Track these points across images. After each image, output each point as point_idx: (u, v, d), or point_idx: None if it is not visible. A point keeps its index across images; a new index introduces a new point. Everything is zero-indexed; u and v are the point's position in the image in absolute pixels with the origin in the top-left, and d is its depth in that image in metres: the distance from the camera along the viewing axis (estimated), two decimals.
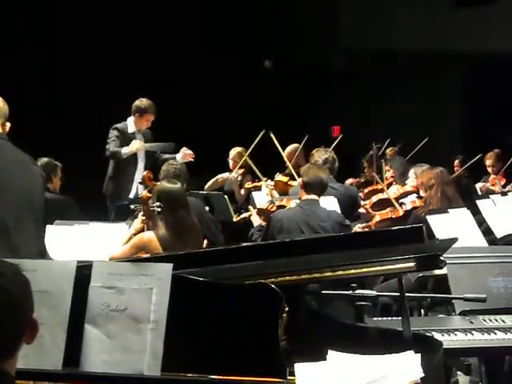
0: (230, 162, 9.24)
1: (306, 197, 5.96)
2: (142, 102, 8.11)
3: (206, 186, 9.11)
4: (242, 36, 13.05)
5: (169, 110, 10.18)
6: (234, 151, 9.28)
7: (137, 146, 7.97)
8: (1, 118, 4.21)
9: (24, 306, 2.08)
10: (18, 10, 10.81)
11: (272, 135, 8.52)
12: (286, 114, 12.98)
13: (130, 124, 8.14)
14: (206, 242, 6.39)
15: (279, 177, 8.40)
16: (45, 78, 10.71)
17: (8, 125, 4.27)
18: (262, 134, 8.81)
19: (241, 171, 9.07)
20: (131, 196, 8.11)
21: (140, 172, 8.12)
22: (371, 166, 9.97)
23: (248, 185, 8.75)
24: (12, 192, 4.05)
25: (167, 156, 8.29)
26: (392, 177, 9.29)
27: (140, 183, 7.16)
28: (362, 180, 10.36)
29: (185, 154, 8.21)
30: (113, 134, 8.06)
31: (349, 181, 9.98)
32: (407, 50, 13.30)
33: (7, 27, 10.68)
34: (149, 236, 5.11)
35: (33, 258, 3.36)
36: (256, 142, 8.86)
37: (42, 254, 4.06)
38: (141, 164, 8.19)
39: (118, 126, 8.12)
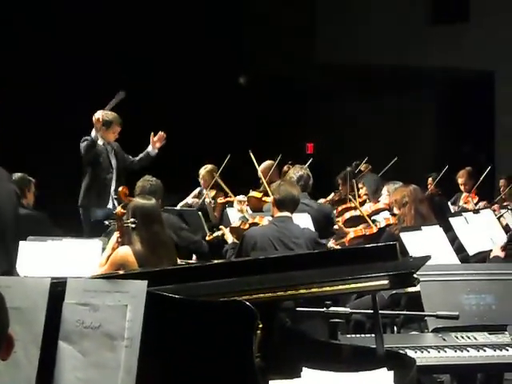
0: (201, 182, 9.25)
1: (278, 214, 5.97)
2: (106, 114, 8.10)
3: (182, 203, 9.12)
4: (216, 51, 13.07)
5: (141, 123, 10.19)
6: (203, 170, 9.31)
7: (96, 115, 7.91)
8: None
9: (0, 321, 2.07)
10: None
11: (251, 155, 8.53)
12: (260, 130, 13.00)
13: (96, 135, 8.10)
14: (194, 258, 6.39)
15: (253, 193, 8.41)
16: (16, 90, 10.64)
17: None
18: (227, 158, 8.83)
19: (213, 193, 9.06)
20: (110, 206, 8.08)
21: (114, 183, 8.12)
22: (345, 184, 10.01)
23: (220, 200, 8.76)
24: None
25: (140, 156, 8.29)
26: (365, 194, 9.33)
27: (115, 199, 7.14)
28: (336, 198, 10.39)
29: (153, 142, 8.25)
30: (84, 144, 8.03)
31: (321, 200, 10.01)
32: (382, 66, 13.37)
33: None
34: (125, 251, 5.10)
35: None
36: (224, 164, 8.88)
37: (8, 273, 4.00)
38: (114, 174, 8.17)
39: (87, 137, 8.09)
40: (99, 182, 8.12)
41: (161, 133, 8.30)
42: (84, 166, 8.15)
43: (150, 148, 8.31)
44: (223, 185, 8.62)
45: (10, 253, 4.15)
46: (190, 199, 9.36)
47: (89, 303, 2.89)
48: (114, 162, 8.19)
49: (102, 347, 2.85)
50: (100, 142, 8.11)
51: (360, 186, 9.39)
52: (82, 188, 8.20)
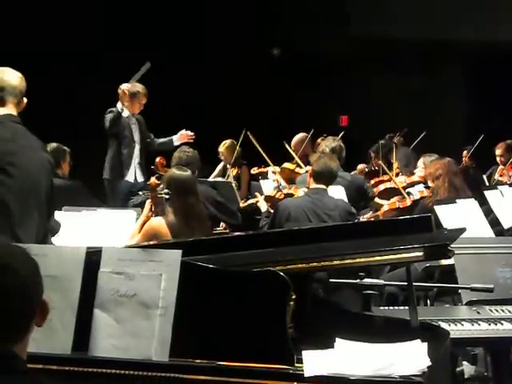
0: (222, 158, 9.24)
1: (314, 186, 5.96)
2: (133, 85, 8.08)
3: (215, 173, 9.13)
4: (247, 24, 12.99)
5: (166, 98, 10.20)
6: (222, 146, 9.27)
7: (121, 87, 7.91)
8: (16, 97, 4.17)
9: (33, 287, 2.07)
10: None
11: (250, 136, 8.53)
12: (293, 103, 12.94)
13: (121, 107, 8.10)
14: (222, 226, 6.40)
15: (286, 164, 8.39)
16: (45, 66, 10.65)
17: (25, 100, 4.23)
18: (243, 134, 8.81)
19: (234, 172, 9.02)
20: (131, 180, 8.11)
21: (137, 155, 8.14)
22: (377, 157, 9.96)
23: (254, 170, 8.74)
24: (19, 178, 4.04)
25: (163, 140, 8.31)
26: (397, 168, 9.27)
27: (151, 169, 7.17)
28: (367, 170, 10.34)
29: (181, 135, 8.22)
30: (108, 116, 8.04)
31: (359, 166, 10.01)
32: (411, 39, 13.20)
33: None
34: (158, 222, 5.11)
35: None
36: (240, 140, 8.86)
37: (43, 242, 4.03)
38: (137, 147, 8.19)
39: (113, 109, 8.10)
40: (123, 154, 8.14)
41: (191, 133, 8.24)
42: (108, 139, 8.16)
43: (175, 138, 8.25)
44: (258, 146, 8.51)
45: (45, 221, 4.18)
46: (214, 175, 9.34)
47: (124, 272, 2.92)
48: (137, 134, 8.19)
49: (137, 316, 2.87)
50: (124, 114, 8.10)
51: (393, 160, 9.33)
52: (106, 160, 8.22)
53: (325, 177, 5.92)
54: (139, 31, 11.76)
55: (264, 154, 8.47)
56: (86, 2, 11.47)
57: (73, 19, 11.20)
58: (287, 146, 8.77)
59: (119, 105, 8.00)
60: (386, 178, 8.51)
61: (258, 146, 8.55)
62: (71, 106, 10.88)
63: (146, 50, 10.64)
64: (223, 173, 9.23)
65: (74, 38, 11.13)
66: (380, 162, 9.19)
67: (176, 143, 8.20)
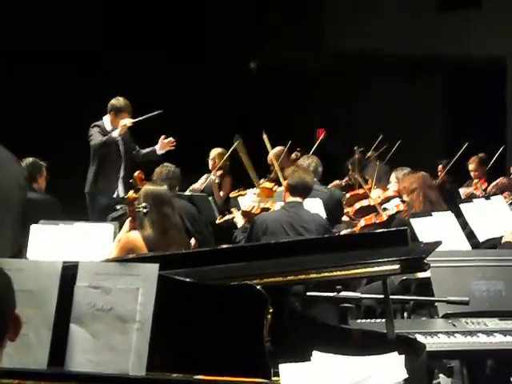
0: (210, 163, 9.26)
1: (290, 199, 5.98)
2: (118, 100, 8.08)
3: (190, 188, 9.12)
4: (227, 38, 13.04)
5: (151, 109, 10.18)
6: (214, 151, 9.31)
7: (126, 122, 7.89)
8: None
9: (5, 301, 2.06)
10: None
11: (265, 137, 8.52)
12: (270, 115, 12.97)
13: (107, 122, 8.11)
14: (193, 242, 6.40)
15: (264, 184, 8.40)
16: (26, 77, 10.63)
17: None
18: (236, 143, 8.81)
19: (219, 173, 9.09)
20: (114, 195, 8.09)
21: (122, 169, 8.12)
22: (354, 170, 10.01)
23: (233, 194, 8.76)
24: None
25: (146, 150, 8.30)
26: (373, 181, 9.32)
27: (130, 183, 7.16)
28: (343, 184, 10.38)
29: (162, 143, 8.20)
30: (94, 130, 8.03)
31: (334, 182, 10.04)
32: (393, 52, 13.32)
33: None
34: (134, 236, 5.12)
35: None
36: (232, 149, 8.87)
37: (17, 256, 4.00)
38: (123, 160, 8.17)
39: (98, 123, 8.09)
40: (107, 169, 8.11)
41: (171, 139, 8.24)
42: (93, 154, 8.12)
43: (157, 147, 8.25)
44: (245, 157, 8.55)
45: (16, 236, 4.15)
46: (197, 185, 9.35)
47: (100, 286, 2.90)
48: (122, 149, 8.18)
49: (114, 330, 2.86)
50: (108, 128, 8.09)
51: (367, 176, 9.36)
52: (90, 175, 8.18)
53: (300, 190, 5.95)
54: (127, 43, 11.77)
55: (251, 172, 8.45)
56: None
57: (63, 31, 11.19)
58: (265, 137, 8.72)
59: (115, 133, 7.97)
60: (361, 191, 8.54)
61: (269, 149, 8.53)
62: (50, 118, 10.84)
63: (131, 63, 10.69)
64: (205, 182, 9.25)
65: (57, 49, 11.11)
66: (356, 175, 9.22)
67: (159, 152, 8.22)
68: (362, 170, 9.82)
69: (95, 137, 7.97)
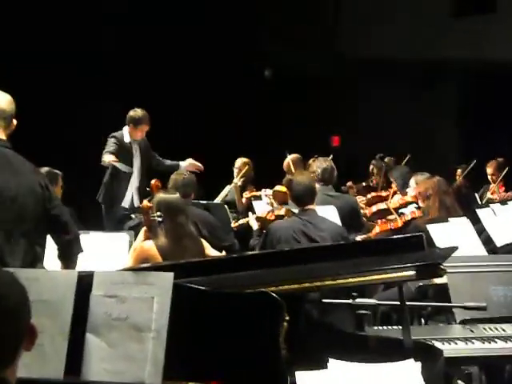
0: (235, 171, 9.30)
1: (301, 207, 5.94)
2: (136, 112, 8.11)
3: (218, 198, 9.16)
4: (241, 47, 13.07)
5: (171, 120, 10.24)
6: (240, 161, 9.36)
7: (107, 159, 7.90)
8: (5, 120, 4.14)
9: (21, 312, 2.08)
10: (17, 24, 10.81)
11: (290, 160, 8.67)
12: (285, 124, 12.99)
13: (126, 134, 8.15)
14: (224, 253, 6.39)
15: (278, 187, 8.41)
16: (43, 87, 10.66)
17: (14, 122, 4.20)
18: (246, 168, 9.03)
19: (242, 180, 9.14)
20: (126, 205, 8.13)
21: (136, 180, 8.15)
22: (379, 173, 10.11)
23: (246, 194, 8.79)
24: (3, 206, 4.02)
25: (170, 163, 8.34)
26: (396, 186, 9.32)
27: (147, 191, 7.17)
28: (364, 184, 10.45)
29: (190, 164, 8.27)
30: (110, 141, 8.07)
31: (349, 183, 10.13)
32: (407, 59, 13.30)
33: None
34: (149, 245, 5.13)
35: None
36: (244, 171, 9.03)
37: (31, 266, 4.02)
38: (136, 173, 8.21)
39: (116, 134, 8.12)
40: (120, 180, 8.15)
41: (200, 165, 8.34)
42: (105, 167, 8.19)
43: (182, 164, 8.31)
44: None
45: (32, 246, 4.16)
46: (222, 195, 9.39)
47: (116, 295, 2.91)
48: (137, 160, 8.21)
49: (130, 339, 2.86)
50: (126, 139, 8.13)
51: (391, 178, 9.36)
52: (103, 185, 8.23)
53: (307, 197, 5.86)
54: (136, 56, 11.82)
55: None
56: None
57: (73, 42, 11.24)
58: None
59: (125, 131, 8.04)
60: (384, 194, 8.57)
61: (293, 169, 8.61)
62: (67, 128, 10.87)
63: (143, 75, 10.72)
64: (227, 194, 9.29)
65: (72, 61, 11.16)
66: (381, 179, 9.29)
67: (183, 168, 8.21)
68: (387, 174, 9.83)
69: (108, 148, 8.01)
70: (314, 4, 13.80)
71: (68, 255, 4.22)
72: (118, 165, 7.87)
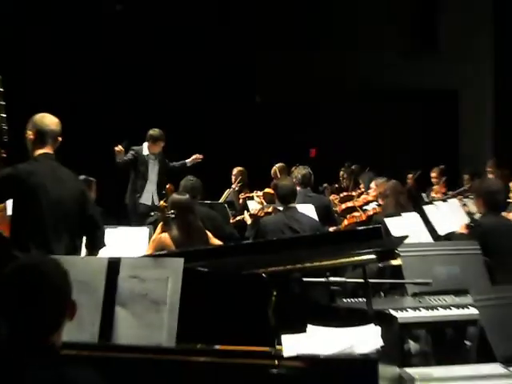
0: (233, 178, 9.32)
1: (285, 205, 5.92)
2: (154, 131, 8.17)
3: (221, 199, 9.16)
4: (236, 78, 13.04)
5: (182, 138, 10.23)
6: (236, 170, 9.39)
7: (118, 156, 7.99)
8: (53, 139, 4.12)
9: (64, 291, 2.09)
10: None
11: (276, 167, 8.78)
12: (272, 139, 12.96)
13: (145, 148, 8.20)
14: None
15: (266, 189, 8.43)
16: (82, 115, 10.58)
17: (59, 139, 4.19)
18: (241, 175, 9.15)
19: (239, 185, 9.17)
20: (145, 202, 8.17)
21: (153, 183, 8.20)
22: (349, 178, 10.16)
23: (241, 195, 8.79)
24: (52, 207, 4.01)
25: (178, 164, 8.43)
26: (363, 188, 9.33)
27: (164, 194, 7.21)
28: (336, 186, 10.47)
29: (193, 158, 8.49)
30: (130, 153, 8.14)
31: (325, 185, 10.16)
32: (371, 86, 13.25)
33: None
34: (165, 237, 5.12)
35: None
36: (240, 178, 9.09)
37: (73, 254, 4.02)
38: (154, 179, 8.23)
39: (135, 148, 8.19)
40: (138, 184, 8.22)
41: (200, 156, 8.51)
42: (129, 172, 8.25)
43: (188, 161, 8.52)
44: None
45: (73, 238, 4.16)
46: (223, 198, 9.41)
47: (138, 276, 2.91)
48: (155, 169, 8.26)
49: (149, 311, 2.86)
50: (145, 152, 8.17)
51: (360, 182, 9.38)
52: (128, 189, 8.32)
53: (290, 196, 5.85)
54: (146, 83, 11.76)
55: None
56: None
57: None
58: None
59: (145, 145, 8.09)
60: (353, 194, 8.62)
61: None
62: (101, 143, 10.77)
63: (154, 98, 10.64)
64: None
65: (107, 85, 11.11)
66: (350, 183, 9.35)
67: (188, 164, 8.47)
68: (355, 178, 9.87)
69: (125, 157, 8.07)
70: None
71: (95, 247, 4.21)
72: (117, 156, 7.95)
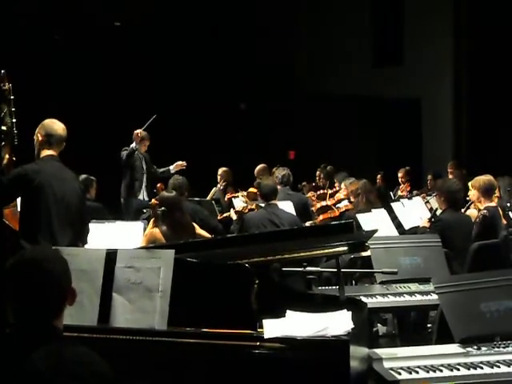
0: (218, 177, 9.30)
1: (267, 202, 5.93)
2: (141, 132, 8.11)
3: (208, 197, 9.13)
4: (222, 86, 13.02)
5: (173, 140, 10.20)
6: (221, 170, 9.35)
7: (136, 132, 7.87)
8: (58, 142, 4.15)
9: (64, 279, 2.08)
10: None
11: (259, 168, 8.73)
12: (256, 142, 12.96)
13: (135, 146, 8.12)
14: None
15: (250, 189, 8.43)
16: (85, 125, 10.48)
17: (64, 144, 4.22)
18: (226, 175, 9.05)
19: (224, 184, 9.14)
20: (141, 198, 8.10)
21: (144, 182, 8.12)
22: (324, 177, 10.19)
23: (228, 195, 8.77)
24: (57, 202, 4.03)
25: (162, 169, 8.30)
26: (336, 186, 9.36)
27: (154, 192, 7.15)
28: (313, 184, 10.48)
29: (177, 165, 8.20)
30: (125, 152, 8.05)
31: (304, 183, 10.18)
32: (344, 94, 13.28)
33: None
34: (156, 231, 5.08)
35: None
36: (224, 177, 9.01)
37: (74, 245, 4.02)
38: (144, 175, 8.16)
39: (127, 147, 8.11)
40: (136, 179, 8.13)
41: (184, 163, 8.23)
42: (123, 168, 8.13)
43: (171, 167, 8.25)
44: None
45: (76, 232, 4.16)
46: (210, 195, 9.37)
47: (133, 266, 2.90)
48: (144, 166, 8.20)
49: (143, 297, 2.85)
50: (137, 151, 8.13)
51: (335, 181, 9.39)
52: (123, 184, 8.20)
53: (272, 194, 5.85)
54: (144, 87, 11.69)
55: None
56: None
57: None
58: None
59: (134, 144, 8.01)
60: (329, 191, 8.66)
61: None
62: (98, 145, 10.70)
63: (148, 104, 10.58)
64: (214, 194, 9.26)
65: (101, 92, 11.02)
66: (326, 182, 9.39)
67: (172, 171, 8.17)
68: (331, 178, 9.89)
69: (122, 154, 8.02)
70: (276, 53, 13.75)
71: (81, 240, 4.21)
72: (148, 122, 7.82)
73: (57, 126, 4.18)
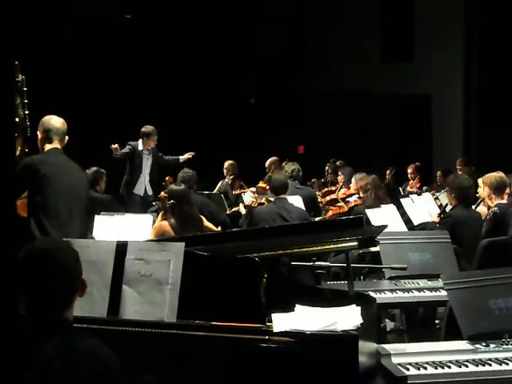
0: (225, 171, 9.29)
1: (277, 196, 5.91)
2: (147, 128, 8.08)
3: (215, 190, 9.12)
4: (232, 80, 13.00)
5: (182, 135, 10.19)
6: (227, 163, 9.33)
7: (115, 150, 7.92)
8: (59, 136, 4.16)
9: (74, 270, 2.07)
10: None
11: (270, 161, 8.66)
12: (266, 136, 12.93)
13: (140, 144, 8.13)
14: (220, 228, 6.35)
15: (259, 184, 8.41)
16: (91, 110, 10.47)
17: (67, 138, 4.23)
18: (232, 168, 9.03)
19: (231, 177, 9.12)
20: (141, 193, 8.12)
21: (146, 176, 8.14)
22: (333, 173, 10.18)
23: (236, 191, 8.76)
24: (65, 193, 4.03)
25: (172, 158, 8.31)
26: (343, 181, 9.32)
27: (163, 185, 7.17)
28: (322, 180, 10.47)
29: (186, 156, 8.32)
30: (127, 147, 8.09)
31: (313, 180, 10.17)
32: (355, 90, 13.23)
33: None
34: (165, 224, 5.07)
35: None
36: (231, 170, 8.99)
37: (84, 236, 4.04)
38: (147, 171, 8.16)
39: (132, 143, 8.13)
40: (133, 176, 8.16)
41: (193, 153, 8.36)
42: (126, 163, 8.20)
43: (181, 157, 8.36)
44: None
45: (85, 222, 4.18)
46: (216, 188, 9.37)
47: (143, 258, 2.90)
48: (148, 162, 8.18)
49: (153, 289, 2.85)
50: (140, 148, 8.12)
51: (339, 174, 9.37)
52: (124, 180, 8.25)
53: (282, 188, 5.83)
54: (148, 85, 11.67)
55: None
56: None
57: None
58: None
59: (140, 141, 8.00)
60: (333, 188, 8.60)
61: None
62: (109, 137, 10.70)
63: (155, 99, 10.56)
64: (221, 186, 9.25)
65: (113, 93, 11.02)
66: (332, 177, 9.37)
67: (181, 160, 8.29)
68: (337, 173, 9.87)
69: (124, 150, 8.05)
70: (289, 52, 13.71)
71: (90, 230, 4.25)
72: (113, 152, 7.89)
73: (53, 121, 4.18)
